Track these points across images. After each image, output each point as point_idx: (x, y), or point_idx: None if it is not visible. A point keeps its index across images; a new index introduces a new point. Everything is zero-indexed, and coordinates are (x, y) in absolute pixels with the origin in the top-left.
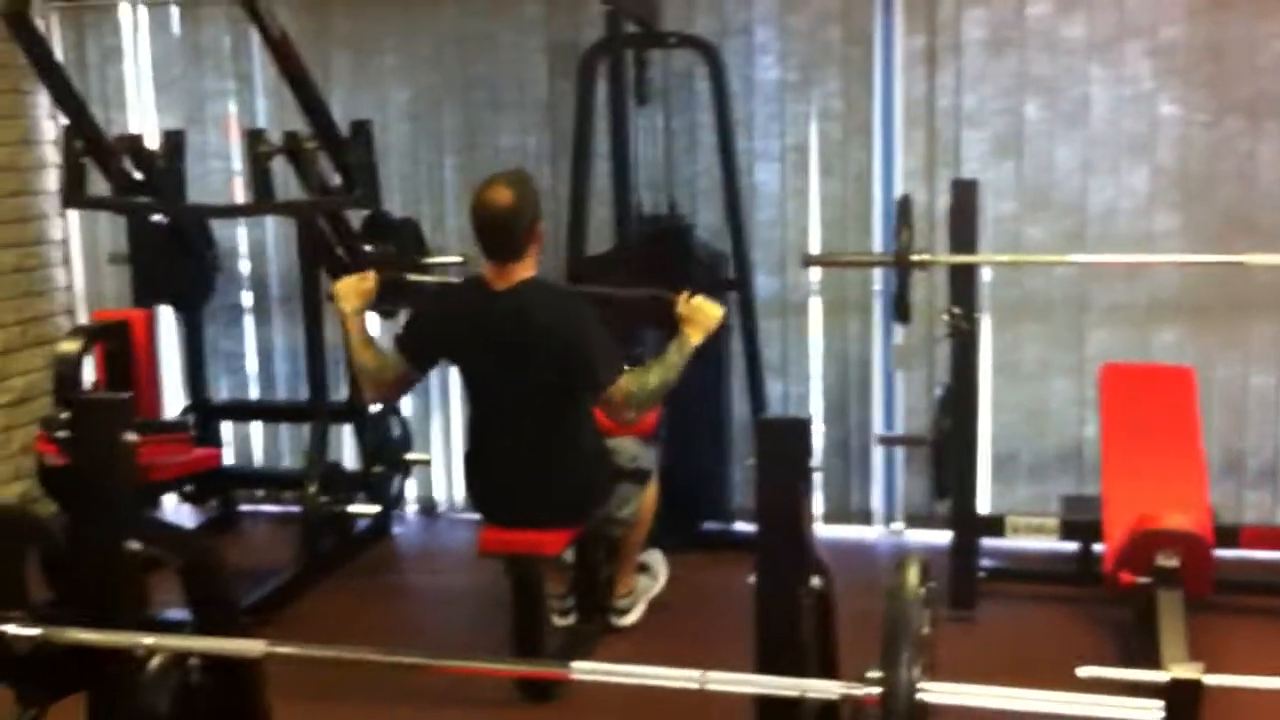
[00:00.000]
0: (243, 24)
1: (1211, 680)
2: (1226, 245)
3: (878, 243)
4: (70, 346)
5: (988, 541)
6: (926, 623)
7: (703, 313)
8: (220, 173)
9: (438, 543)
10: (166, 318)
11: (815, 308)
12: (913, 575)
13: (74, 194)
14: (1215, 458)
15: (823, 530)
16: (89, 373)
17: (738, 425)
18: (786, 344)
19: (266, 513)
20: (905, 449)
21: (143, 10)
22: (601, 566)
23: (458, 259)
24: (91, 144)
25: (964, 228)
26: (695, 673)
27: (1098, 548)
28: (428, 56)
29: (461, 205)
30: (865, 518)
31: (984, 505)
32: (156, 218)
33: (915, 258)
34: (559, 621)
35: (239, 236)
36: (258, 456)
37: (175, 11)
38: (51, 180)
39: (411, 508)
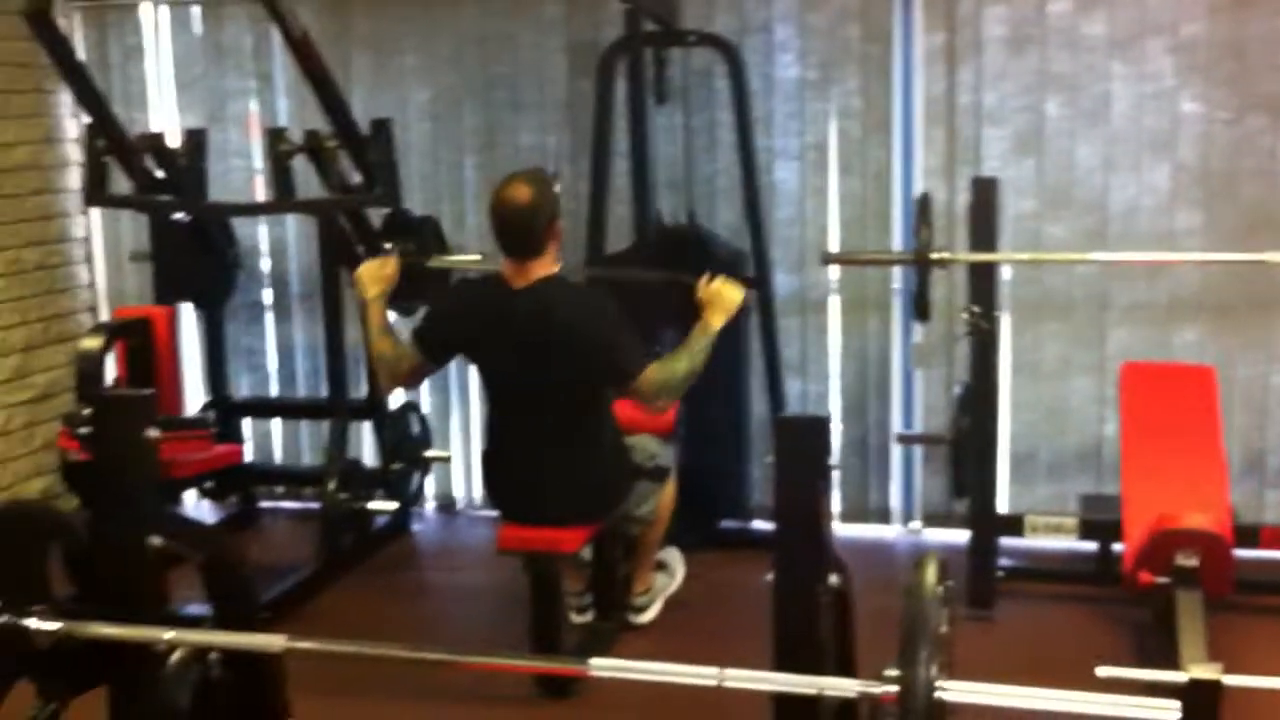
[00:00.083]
0: (264, 23)
1: (1231, 681)
2: (1248, 243)
3: (897, 241)
4: (92, 343)
5: (1006, 541)
6: (945, 621)
7: (724, 295)
8: (241, 171)
9: (456, 540)
10: (188, 315)
11: (834, 306)
12: (931, 573)
13: (96, 192)
14: (1236, 457)
15: (840, 529)
16: (111, 369)
17: (756, 424)
18: (805, 342)
19: (286, 509)
20: (924, 448)
21: (164, 9)
22: (619, 564)
23: (477, 257)
24: (113, 143)
25: (984, 226)
26: (713, 670)
27: (1117, 547)
28: (448, 56)
29: (481, 204)
30: (883, 516)
31: (1003, 504)
32: (178, 216)
33: (935, 256)
34: (577, 619)
35: (260, 234)
36: (278, 453)
37: (197, 11)
38: (74, 178)
39: (430, 505)
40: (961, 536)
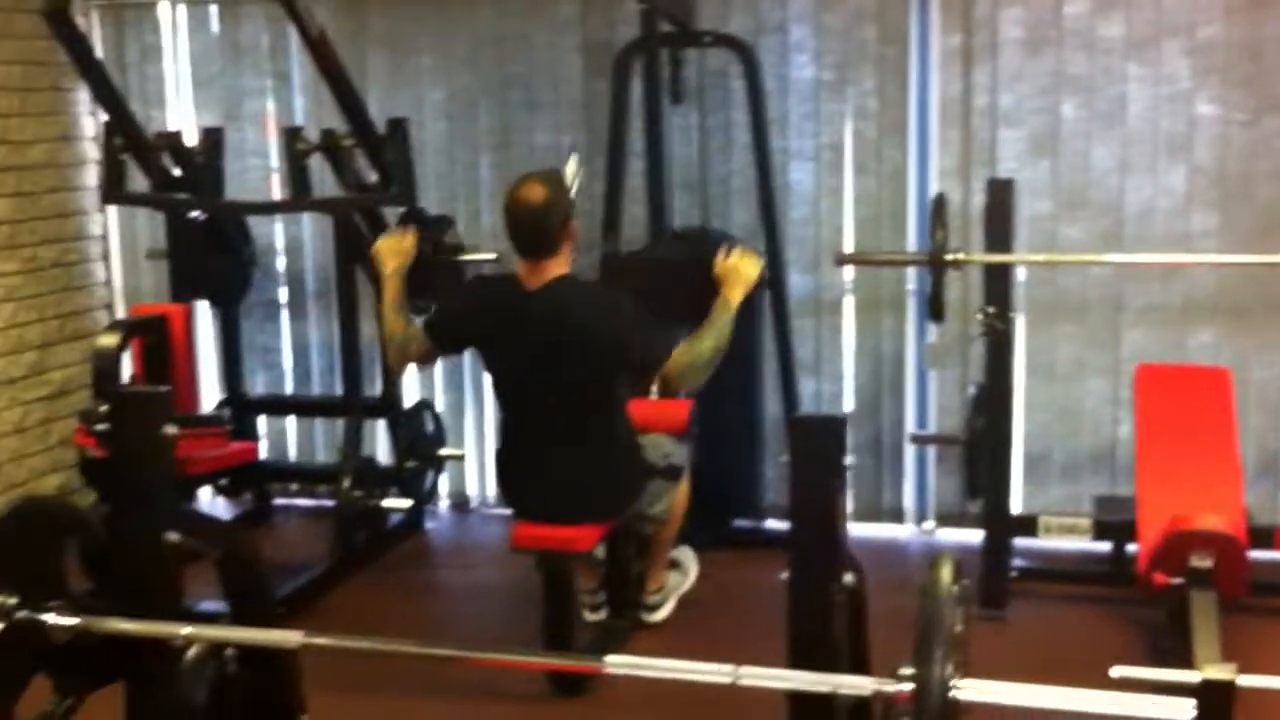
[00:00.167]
0: (281, 22)
1: (1245, 681)
2: (1264, 245)
3: (912, 242)
4: (109, 340)
5: (1020, 541)
6: (959, 620)
7: (741, 269)
8: (258, 170)
9: (470, 538)
10: (203, 313)
11: (849, 306)
12: (947, 573)
13: (113, 190)
14: (1251, 459)
15: (853, 528)
16: (127, 367)
17: (769, 423)
18: (819, 342)
19: (300, 507)
20: (938, 448)
21: (182, 8)
22: (632, 563)
23: (491, 256)
24: (131, 141)
25: (999, 227)
26: (728, 667)
27: (1131, 548)
28: (464, 56)
29: (496, 203)
30: (897, 516)
31: (1016, 505)
32: (194, 214)
33: (950, 257)
34: (590, 617)
35: (276, 233)
36: (292, 451)
37: (214, 10)
38: (91, 176)
39: (444, 503)
40: (975, 537)
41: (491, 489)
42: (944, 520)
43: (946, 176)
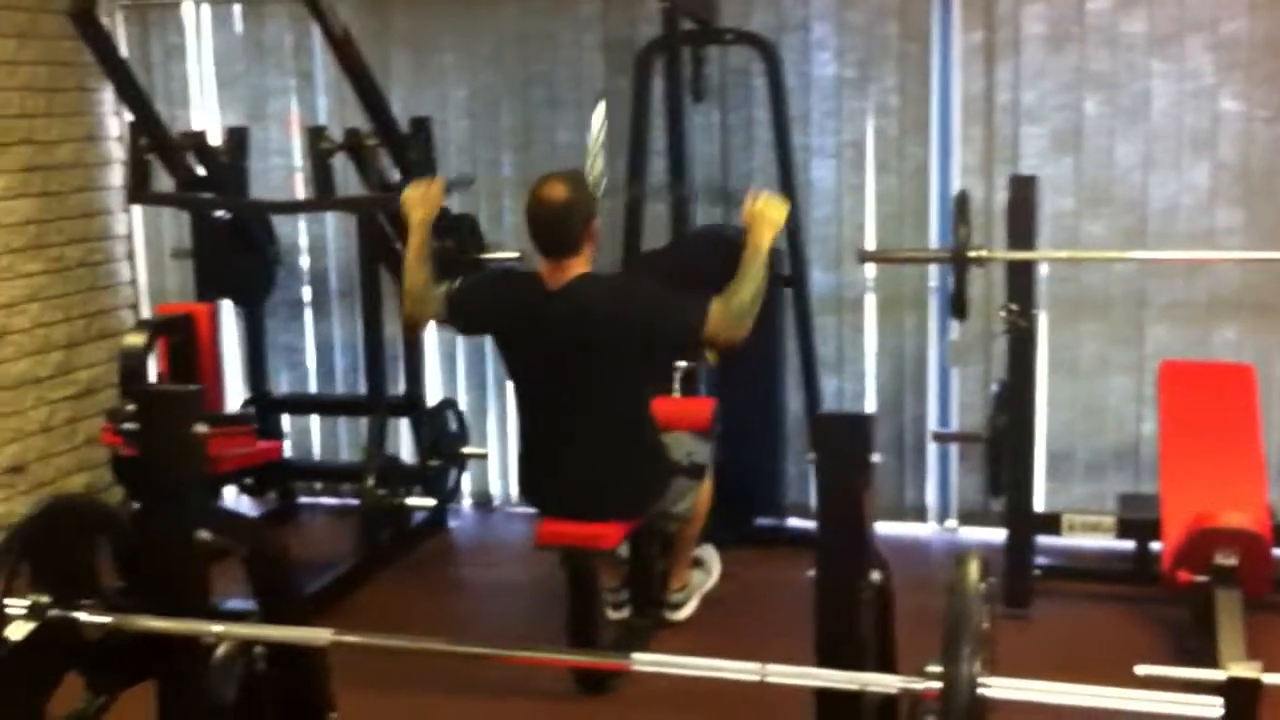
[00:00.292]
0: (304, 22)
1: (1271, 679)
2: None
3: (934, 239)
4: (135, 340)
5: (1043, 539)
6: (986, 618)
7: (768, 213)
8: (282, 169)
9: (493, 536)
10: (228, 312)
11: (870, 304)
12: (974, 570)
13: (138, 190)
14: (1275, 456)
15: (877, 526)
16: (153, 366)
17: (792, 422)
18: (841, 340)
19: (324, 505)
20: (960, 446)
21: (206, 8)
22: (656, 561)
23: (514, 254)
24: (156, 140)
25: (1022, 224)
26: (756, 665)
27: (1155, 546)
28: (486, 55)
29: (519, 202)
30: (919, 514)
31: (1040, 503)
32: (219, 213)
33: (972, 254)
34: (613, 615)
35: (300, 232)
36: (316, 449)
37: (238, 9)
38: (116, 176)
39: (467, 501)
40: (998, 535)
41: (514, 487)
42: (966, 518)
43: (969, 173)
